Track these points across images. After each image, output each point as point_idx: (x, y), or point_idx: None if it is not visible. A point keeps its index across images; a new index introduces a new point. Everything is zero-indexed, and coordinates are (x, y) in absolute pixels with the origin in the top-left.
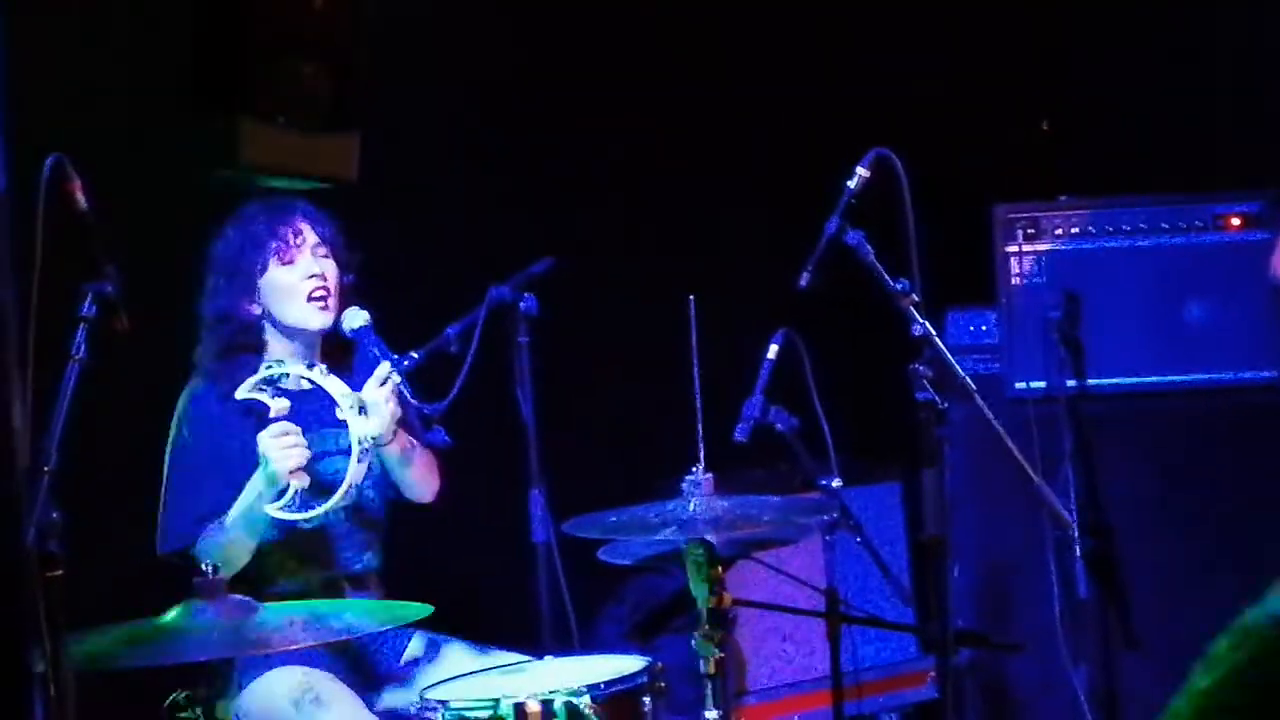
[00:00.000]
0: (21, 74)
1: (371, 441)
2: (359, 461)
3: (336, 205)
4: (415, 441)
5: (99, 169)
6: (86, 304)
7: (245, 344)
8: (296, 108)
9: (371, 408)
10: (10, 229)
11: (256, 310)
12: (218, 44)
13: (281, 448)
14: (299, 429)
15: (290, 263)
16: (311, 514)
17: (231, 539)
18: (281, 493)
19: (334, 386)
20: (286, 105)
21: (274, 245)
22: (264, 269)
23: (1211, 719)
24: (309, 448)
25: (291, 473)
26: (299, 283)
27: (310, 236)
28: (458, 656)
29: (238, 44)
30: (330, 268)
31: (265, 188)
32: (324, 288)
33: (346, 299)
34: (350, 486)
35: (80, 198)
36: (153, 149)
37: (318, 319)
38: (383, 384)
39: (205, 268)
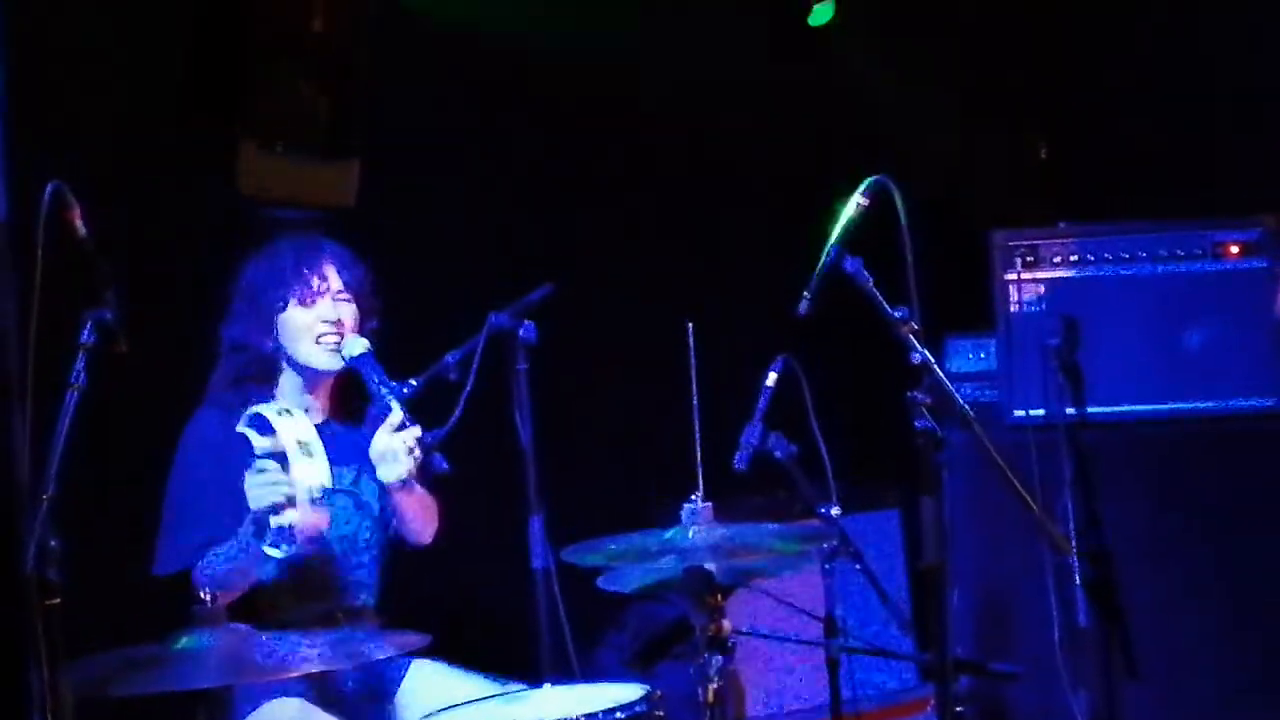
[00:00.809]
0: (21, 104)
1: (324, 492)
2: (313, 508)
3: (335, 231)
4: (416, 485)
5: (98, 197)
6: (86, 331)
7: (258, 375)
8: (295, 134)
9: (389, 457)
10: (10, 257)
11: (270, 345)
12: (216, 70)
13: (258, 485)
14: (278, 466)
15: (310, 305)
16: (288, 550)
17: (229, 570)
18: (263, 529)
19: (287, 427)
20: (285, 132)
21: (297, 287)
22: (284, 307)
23: None
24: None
25: (266, 510)
26: (314, 324)
27: (335, 282)
28: (464, 686)
29: (236, 70)
30: (349, 312)
31: (284, 219)
32: (336, 333)
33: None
34: (311, 530)
35: (80, 225)
36: (152, 176)
37: (325, 360)
38: (398, 429)
39: (231, 293)
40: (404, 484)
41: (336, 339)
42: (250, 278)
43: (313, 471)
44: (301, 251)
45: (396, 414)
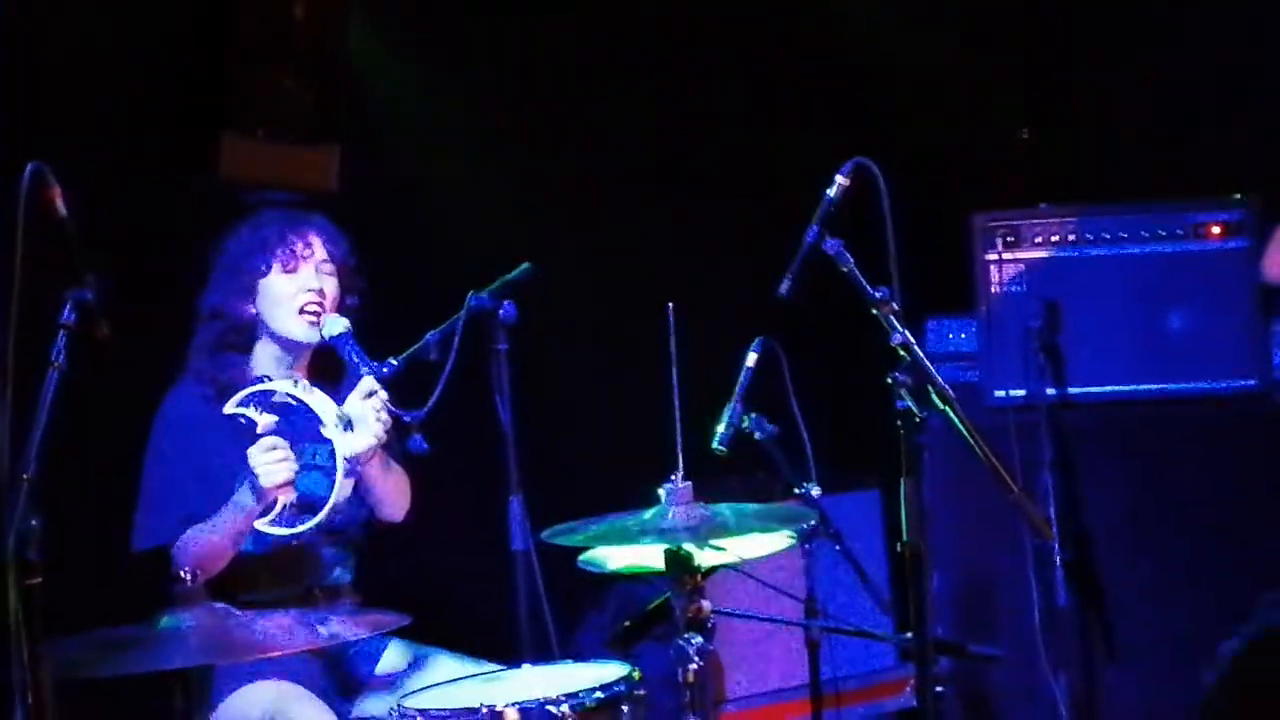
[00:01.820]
0: (3, 88)
1: (356, 458)
2: (345, 478)
3: (317, 210)
4: (391, 461)
5: (79, 177)
6: (66, 311)
7: (235, 344)
8: (277, 120)
9: (358, 422)
10: None
11: (251, 310)
12: (198, 56)
13: (269, 462)
14: (287, 444)
15: (293, 271)
16: (299, 529)
17: (214, 547)
18: (270, 507)
19: (318, 403)
20: (267, 117)
21: (281, 252)
22: (266, 271)
23: None
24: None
25: (279, 487)
26: (296, 293)
27: (319, 251)
28: (443, 666)
29: (220, 56)
30: (331, 285)
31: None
32: (318, 303)
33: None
34: (336, 502)
35: (60, 205)
36: (134, 158)
37: (304, 332)
38: (367, 397)
39: (211, 261)
40: (376, 455)
41: (318, 309)
42: (231, 246)
43: (350, 441)
44: (286, 219)
45: (367, 381)
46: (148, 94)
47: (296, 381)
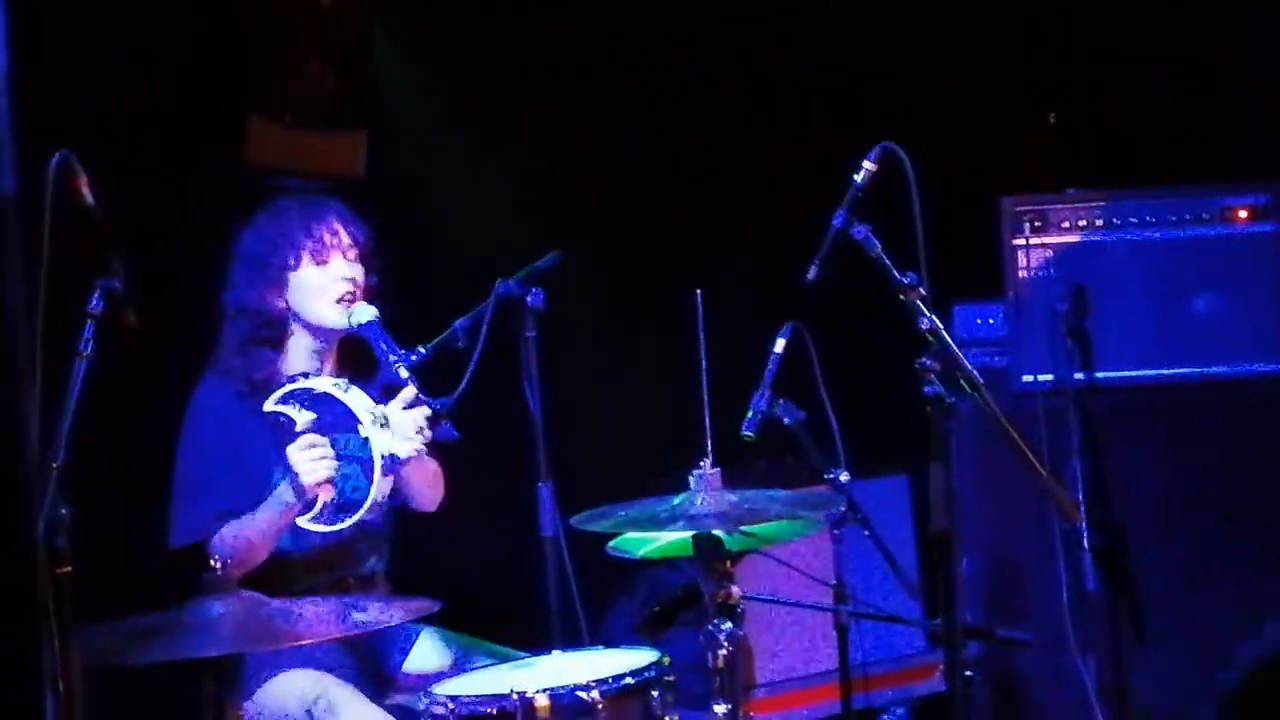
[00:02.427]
0: (30, 76)
1: (393, 457)
2: (384, 476)
3: (344, 200)
4: (424, 453)
5: (107, 165)
6: (94, 300)
7: (266, 338)
8: (303, 105)
9: (397, 430)
10: (19, 230)
11: (281, 304)
12: (225, 42)
13: (310, 459)
14: (327, 441)
15: (325, 263)
16: (339, 526)
17: (252, 543)
18: (310, 504)
19: (357, 401)
20: (293, 103)
21: (309, 244)
22: (296, 265)
23: None
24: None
25: (320, 485)
26: (331, 284)
27: (345, 239)
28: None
29: (245, 42)
30: (359, 271)
31: (293, 189)
32: (353, 292)
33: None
34: (375, 499)
35: (87, 194)
36: (161, 145)
37: (337, 318)
38: (408, 407)
39: (230, 258)
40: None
41: (353, 297)
42: (253, 242)
43: (386, 440)
44: (308, 210)
45: (409, 391)
46: (176, 80)
47: (336, 382)
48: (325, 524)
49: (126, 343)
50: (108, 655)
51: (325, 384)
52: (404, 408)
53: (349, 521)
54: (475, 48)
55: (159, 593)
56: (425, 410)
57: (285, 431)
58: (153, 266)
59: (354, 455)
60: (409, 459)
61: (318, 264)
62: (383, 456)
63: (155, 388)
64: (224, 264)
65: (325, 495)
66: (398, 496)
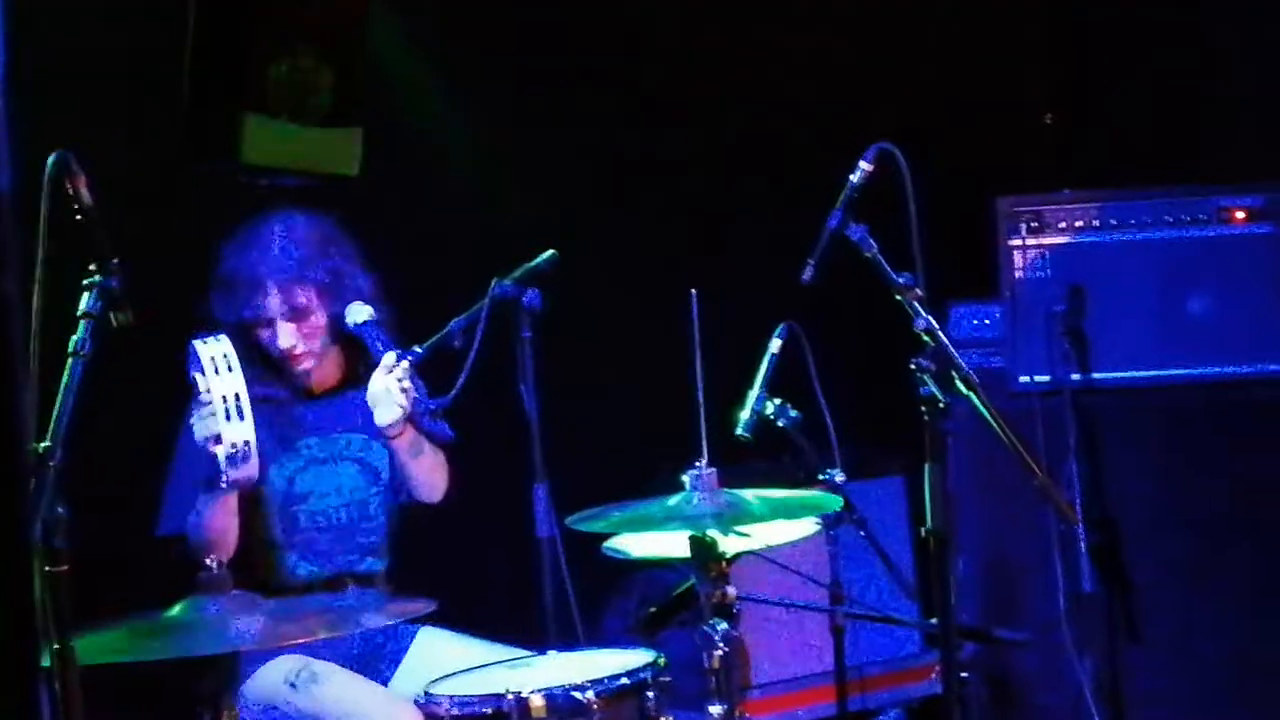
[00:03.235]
0: (25, 74)
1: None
2: (228, 420)
3: (339, 199)
4: (424, 442)
5: (103, 163)
6: (91, 299)
7: (255, 343)
8: (298, 103)
9: (383, 397)
10: (15, 226)
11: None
12: (220, 39)
13: (197, 418)
14: (217, 403)
15: (262, 331)
16: (222, 483)
17: (207, 523)
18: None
19: (207, 350)
20: (288, 101)
21: (247, 313)
22: (252, 323)
23: None
24: (318, 451)
25: (209, 442)
26: (277, 350)
27: (274, 303)
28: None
29: (240, 37)
30: (290, 330)
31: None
32: (297, 354)
33: (356, 298)
34: (232, 447)
35: (84, 192)
36: (156, 143)
37: (303, 366)
38: (389, 371)
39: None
40: (405, 435)
41: (300, 356)
42: (221, 271)
43: (227, 383)
44: (245, 268)
45: (389, 357)
46: (168, 77)
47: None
48: (222, 480)
49: (123, 341)
50: (105, 654)
51: (197, 342)
52: (385, 373)
53: (234, 475)
54: (472, 45)
55: (156, 591)
56: (405, 364)
57: (266, 407)
58: (147, 266)
59: (354, 457)
60: (398, 425)
61: (259, 329)
62: (223, 400)
63: (152, 387)
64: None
65: (219, 450)
66: (399, 493)
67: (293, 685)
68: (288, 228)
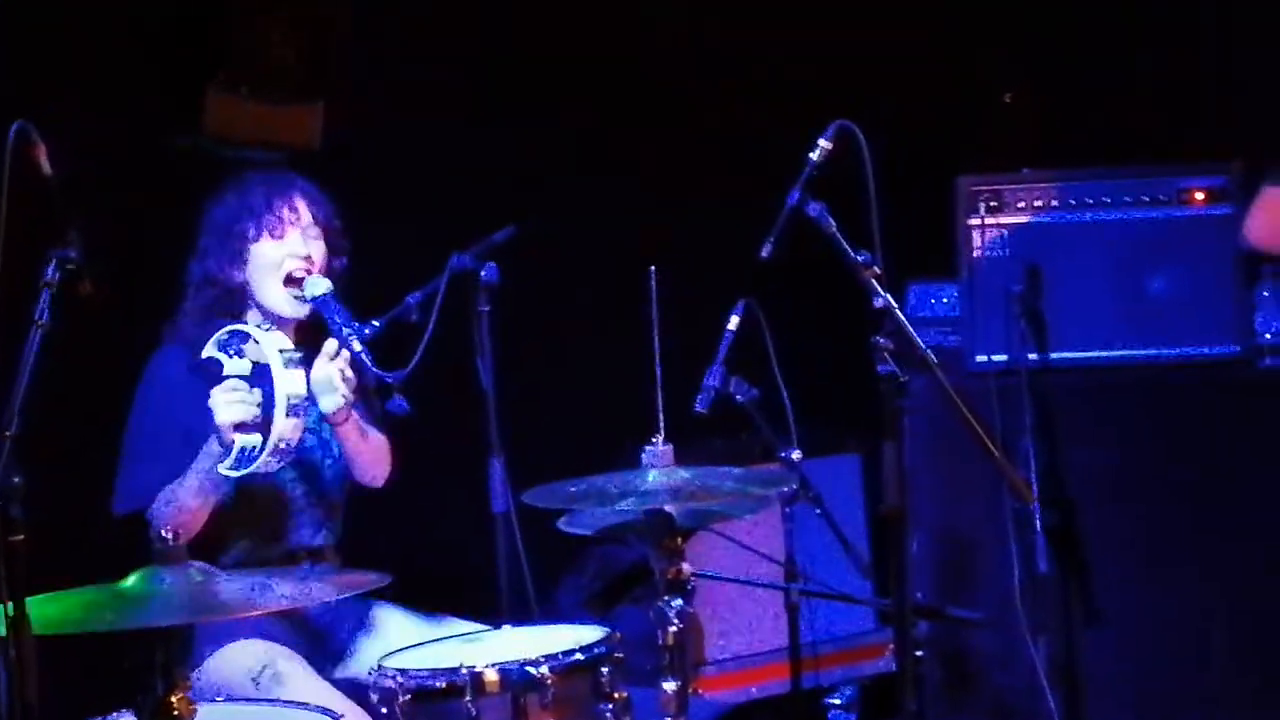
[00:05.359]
0: None
1: (305, 402)
2: (287, 417)
3: (298, 172)
4: (368, 428)
5: (64, 136)
6: (50, 269)
7: (227, 310)
8: (261, 77)
9: (325, 385)
10: None
11: (241, 278)
12: (184, 12)
13: (227, 400)
14: (248, 387)
15: (280, 238)
16: (249, 469)
17: (181, 501)
18: (228, 449)
19: (270, 341)
20: (252, 75)
21: (268, 219)
22: (256, 236)
23: None
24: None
25: (237, 427)
26: (283, 259)
27: (305, 216)
28: (403, 626)
29: (206, 11)
30: (318, 249)
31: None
32: (305, 268)
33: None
34: (281, 442)
35: (45, 163)
36: (118, 114)
37: (291, 308)
38: (332, 359)
39: (199, 228)
40: (350, 420)
41: (305, 274)
42: (218, 212)
43: (295, 380)
44: (271, 185)
45: (331, 344)
46: (133, 50)
47: (260, 323)
48: (233, 469)
49: (83, 312)
50: (59, 625)
51: (249, 327)
52: (328, 360)
53: (257, 463)
54: (432, 22)
55: (112, 562)
56: (345, 355)
57: (214, 378)
58: (108, 236)
59: (308, 428)
60: (343, 412)
61: (274, 238)
62: (289, 398)
63: (111, 357)
64: (194, 234)
65: (243, 439)
66: (347, 469)
67: (256, 683)
68: (306, 184)
